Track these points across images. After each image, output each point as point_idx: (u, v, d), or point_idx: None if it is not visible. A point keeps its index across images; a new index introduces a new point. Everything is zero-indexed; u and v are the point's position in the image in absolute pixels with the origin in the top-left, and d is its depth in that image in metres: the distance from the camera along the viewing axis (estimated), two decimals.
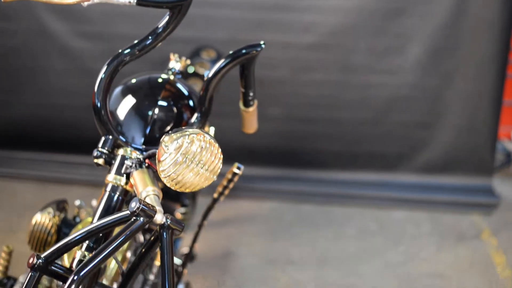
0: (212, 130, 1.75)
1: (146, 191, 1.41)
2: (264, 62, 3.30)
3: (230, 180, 1.77)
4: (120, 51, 1.53)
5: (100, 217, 1.51)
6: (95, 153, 1.55)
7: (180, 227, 1.37)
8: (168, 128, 1.64)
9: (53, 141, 3.64)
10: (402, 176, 3.64)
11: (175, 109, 1.66)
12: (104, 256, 1.32)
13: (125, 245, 1.79)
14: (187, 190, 1.40)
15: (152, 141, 1.61)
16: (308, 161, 3.68)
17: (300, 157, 3.68)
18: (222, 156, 1.40)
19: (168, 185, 1.38)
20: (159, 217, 1.34)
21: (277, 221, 3.34)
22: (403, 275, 2.94)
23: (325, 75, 3.49)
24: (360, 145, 3.64)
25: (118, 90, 1.71)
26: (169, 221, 1.36)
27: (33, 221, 1.82)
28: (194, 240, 1.95)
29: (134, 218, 1.34)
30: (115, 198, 1.53)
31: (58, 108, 3.61)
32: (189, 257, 2.03)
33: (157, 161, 1.36)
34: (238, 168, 1.75)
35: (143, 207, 1.32)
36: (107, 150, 1.55)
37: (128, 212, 1.34)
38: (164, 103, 1.65)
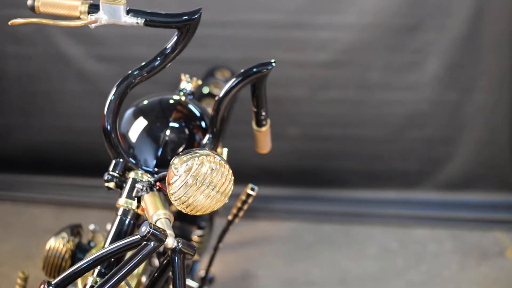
0: (225, 151, 1.72)
1: (157, 215, 1.39)
2: (279, 81, 3.33)
3: (244, 202, 1.74)
4: (129, 72, 1.51)
5: (112, 242, 1.49)
6: (105, 176, 1.53)
7: (192, 251, 1.35)
8: (180, 150, 1.61)
9: (70, 164, 3.63)
10: (422, 194, 3.57)
11: (186, 131, 1.64)
12: (114, 282, 1.29)
13: (140, 269, 1.76)
14: (198, 213, 1.37)
15: (163, 164, 1.59)
16: (326, 180, 3.62)
17: (318, 176, 3.63)
18: (233, 177, 1.37)
19: (178, 208, 1.35)
20: (170, 241, 1.32)
21: (296, 242, 3.29)
22: None
23: (342, 93, 3.45)
24: (379, 162, 3.58)
25: (129, 112, 1.70)
26: (180, 245, 1.33)
27: (47, 247, 1.80)
28: (210, 263, 1.91)
29: (145, 242, 1.31)
30: (127, 222, 1.50)
31: (75, 131, 3.61)
32: (205, 281, 1.99)
33: (167, 184, 1.34)
34: (252, 189, 1.72)
35: (154, 231, 1.29)
36: (117, 173, 1.53)
37: (138, 236, 1.31)
38: (175, 125, 1.64)
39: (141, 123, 1.64)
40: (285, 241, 3.30)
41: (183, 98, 1.72)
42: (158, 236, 1.30)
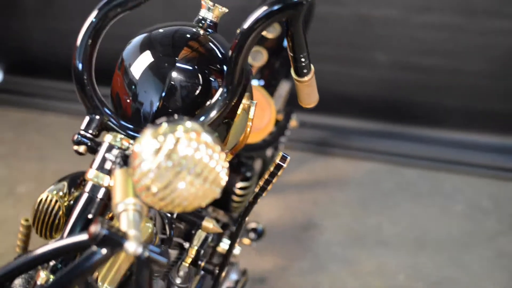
0: (252, 109, 1.28)
1: (125, 204, 0.97)
2: None
3: (273, 174, 1.32)
4: None
5: (74, 226, 1.11)
6: (75, 137, 1.13)
7: (163, 260, 0.94)
8: (185, 104, 1.19)
9: None
10: None
11: (199, 76, 1.20)
12: None
13: None
14: (178, 209, 0.97)
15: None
16: (415, 116, 3.25)
17: (406, 111, 3.26)
18: (227, 164, 0.96)
19: (147, 201, 0.96)
20: (132, 247, 0.91)
21: (373, 187, 2.88)
22: None
23: (442, 17, 3.03)
24: (479, 101, 3.15)
25: (134, 41, 1.27)
26: (147, 253, 0.93)
27: (38, 200, 1.46)
28: (232, 244, 1.51)
29: (95, 246, 0.93)
30: (96, 202, 1.11)
31: None
32: (226, 263, 1.57)
33: (131, 167, 0.95)
34: (283, 158, 1.29)
35: (108, 233, 0.91)
36: (91, 133, 1.14)
37: (86, 236, 0.94)
38: (184, 66, 1.20)
39: (139, 62, 1.21)
40: (360, 185, 2.90)
41: (201, 32, 1.27)
42: (114, 240, 0.91)
